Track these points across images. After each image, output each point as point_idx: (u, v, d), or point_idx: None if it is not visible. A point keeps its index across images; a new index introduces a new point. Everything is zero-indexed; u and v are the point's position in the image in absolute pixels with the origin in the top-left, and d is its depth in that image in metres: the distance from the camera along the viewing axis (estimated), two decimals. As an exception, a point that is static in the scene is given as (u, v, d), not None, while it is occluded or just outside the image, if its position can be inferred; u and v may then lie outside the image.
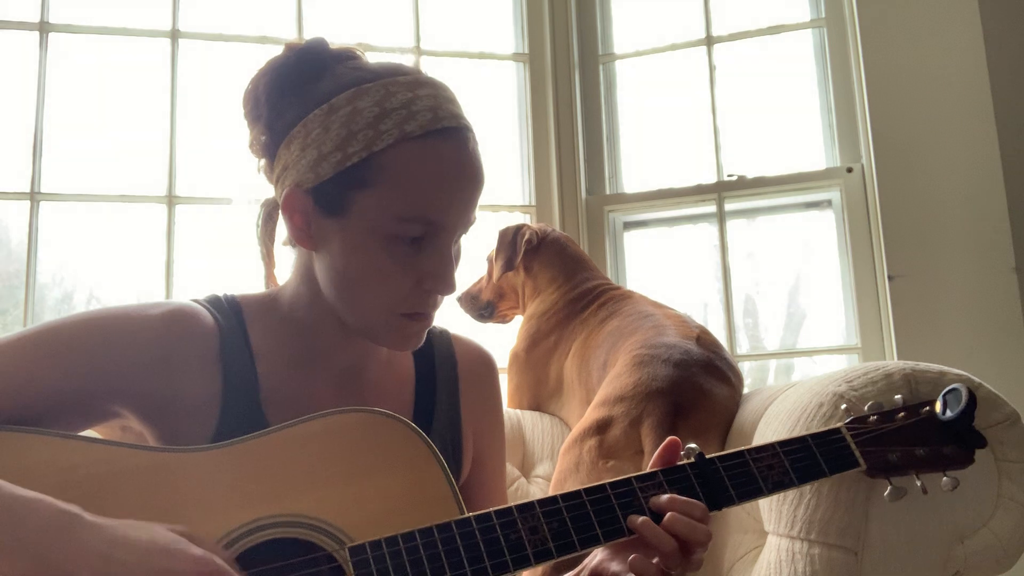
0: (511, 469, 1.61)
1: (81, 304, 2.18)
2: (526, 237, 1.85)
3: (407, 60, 0.95)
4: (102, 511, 0.70)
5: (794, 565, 1.04)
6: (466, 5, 2.45)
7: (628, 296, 1.72)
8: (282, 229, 0.99)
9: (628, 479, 0.86)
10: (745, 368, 2.13)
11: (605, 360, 1.55)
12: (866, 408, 0.99)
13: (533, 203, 2.29)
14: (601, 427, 1.36)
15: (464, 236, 0.92)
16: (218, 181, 2.14)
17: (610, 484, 0.85)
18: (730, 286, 2.16)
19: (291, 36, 2.23)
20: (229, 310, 0.94)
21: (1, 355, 0.82)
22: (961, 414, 0.94)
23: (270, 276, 1.01)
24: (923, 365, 1.09)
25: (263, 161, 0.94)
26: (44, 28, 2.11)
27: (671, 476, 0.87)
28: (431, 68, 0.92)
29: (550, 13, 2.36)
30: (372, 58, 0.93)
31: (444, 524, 0.78)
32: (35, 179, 2.05)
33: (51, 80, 2.10)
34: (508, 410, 1.76)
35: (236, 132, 0.97)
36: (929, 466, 0.95)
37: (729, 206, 2.21)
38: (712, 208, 2.22)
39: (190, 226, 2.11)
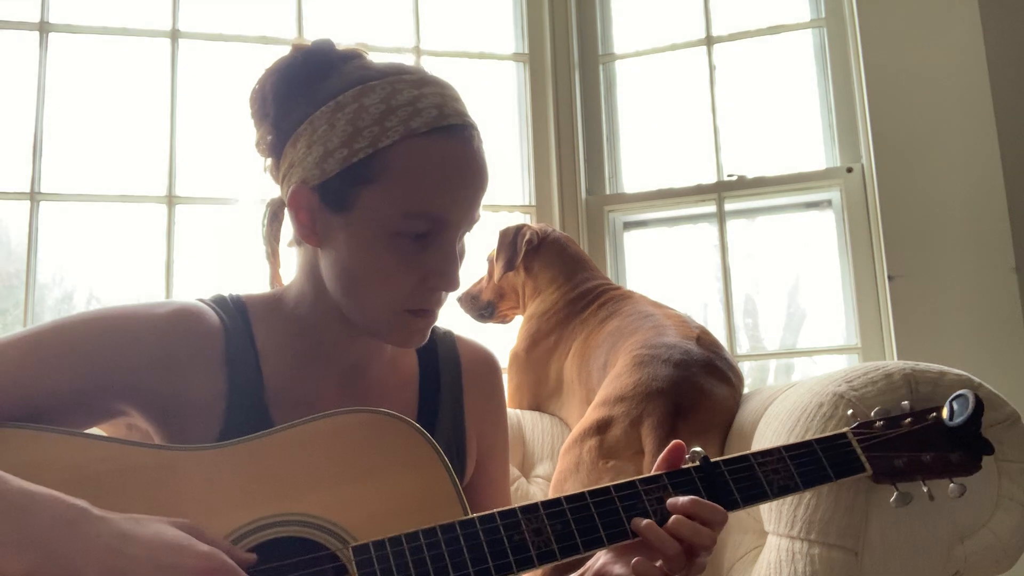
0: (511, 469, 1.61)
1: (81, 304, 2.18)
2: (527, 237, 1.85)
3: (407, 60, 0.95)
4: (108, 508, 0.70)
5: (794, 565, 1.05)
6: (466, 5, 2.45)
7: (628, 296, 1.72)
8: (287, 229, 1.00)
9: (632, 482, 0.86)
10: (745, 368, 2.13)
11: (605, 360, 1.55)
12: (872, 413, 0.99)
13: (533, 203, 2.29)
14: (601, 427, 1.36)
15: (468, 234, 0.92)
16: (218, 181, 2.14)
17: (614, 487, 0.85)
18: (730, 286, 2.16)
19: (291, 36, 2.23)
20: (234, 310, 0.94)
21: (7, 354, 0.82)
22: (968, 420, 0.93)
23: (275, 275, 1.01)
24: (923, 365, 1.10)
25: (269, 160, 0.94)
26: (44, 28, 2.11)
27: (676, 479, 0.87)
28: (431, 68, 0.93)
29: (550, 13, 2.36)
30: (373, 58, 0.93)
31: (448, 524, 0.78)
32: (35, 179, 2.05)
33: (51, 80, 2.10)
34: (508, 410, 1.76)
35: (236, 132, 0.98)
36: (936, 472, 0.94)
37: (729, 206, 2.21)
38: (712, 208, 2.22)
39: (190, 226, 2.11)
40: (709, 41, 2.30)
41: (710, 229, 2.25)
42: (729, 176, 2.23)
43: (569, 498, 0.82)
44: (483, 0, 2.46)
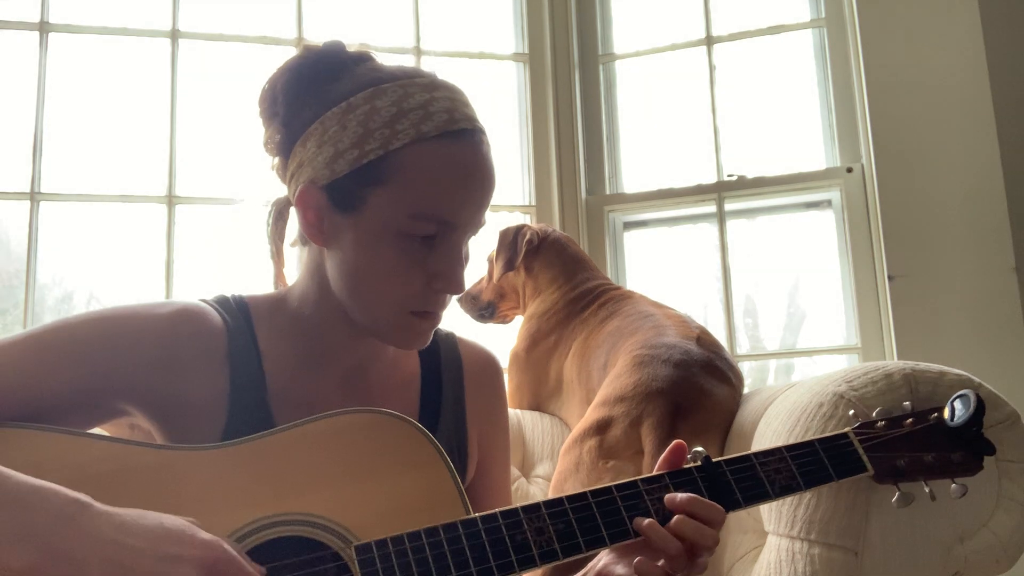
0: (511, 469, 1.61)
1: (81, 304, 2.18)
2: (527, 238, 1.85)
3: (407, 60, 0.96)
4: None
5: (794, 565, 1.05)
6: (466, 5, 2.45)
7: (628, 296, 1.72)
8: (291, 229, 1.00)
9: (634, 481, 0.86)
10: (745, 368, 2.14)
11: (605, 360, 1.55)
12: (874, 414, 0.99)
13: (533, 203, 2.29)
14: (601, 427, 1.36)
15: (474, 237, 0.92)
16: (218, 181, 2.14)
17: (616, 486, 0.85)
18: (730, 286, 2.16)
19: (291, 36, 2.23)
20: (237, 310, 0.94)
21: (9, 354, 0.82)
22: (970, 420, 0.93)
23: (279, 275, 1.02)
24: (923, 365, 1.10)
25: (276, 159, 0.94)
26: (44, 28, 2.11)
27: (677, 479, 0.87)
28: (431, 68, 0.93)
29: (550, 13, 2.36)
30: (380, 60, 0.94)
31: (450, 524, 0.78)
32: (35, 179, 2.05)
33: (51, 80, 2.10)
34: (508, 410, 1.76)
35: (237, 132, 0.98)
36: (938, 472, 0.94)
37: (729, 206, 2.22)
38: (712, 208, 2.22)
39: (190, 226, 2.11)
40: (709, 41, 2.30)
41: (710, 229, 2.25)
42: (729, 176, 2.23)
43: (571, 498, 0.83)
44: (483, 0, 2.46)
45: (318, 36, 2.16)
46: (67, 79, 2.12)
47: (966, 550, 1.04)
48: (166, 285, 2.05)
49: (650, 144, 2.36)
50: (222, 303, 0.94)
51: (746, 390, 1.48)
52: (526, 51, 2.37)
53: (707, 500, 0.84)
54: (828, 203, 2.20)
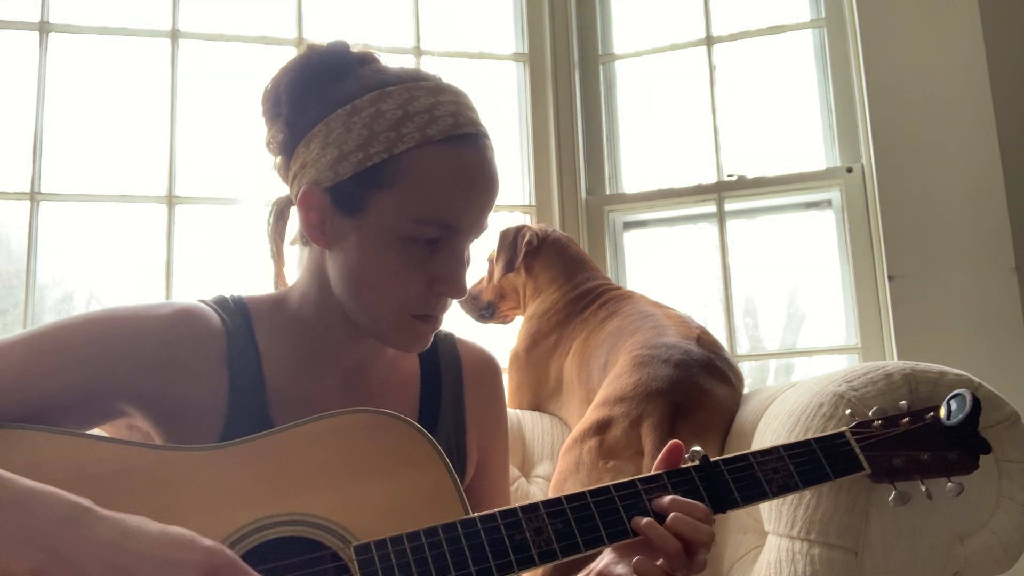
0: (511, 469, 1.61)
1: (81, 304, 2.18)
2: (526, 239, 1.85)
3: (407, 60, 0.96)
4: (110, 508, 0.70)
5: (794, 565, 1.05)
6: (466, 5, 2.45)
7: (628, 296, 1.72)
8: (291, 229, 1.00)
9: (632, 481, 0.86)
10: (745, 368, 2.14)
11: (605, 360, 1.55)
12: (871, 413, 1.00)
13: (533, 203, 2.29)
14: (601, 427, 1.36)
15: (476, 240, 0.93)
16: (218, 181, 2.14)
17: (614, 486, 0.85)
18: (730, 286, 2.16)
19: (291, 36, 2.23)
20: (236, 311, 0.94)
21: (9, 355, 0.82)
22: (966, 419, 0.93)
23: (279, 275, 1.02)
24: (923, 365, 1.10)
25: (279, 159, 0.94)
26: (44, 28, 2.11)
27: (676, 479, 0.87)
28: (431, 68, 0.93)
29: (550, 13, 2.36)
30: (384, 61, 0.94)
31: (449, 524, 0.78)
32: (35, 179, 2.05)
33: (51, 80, 2.10)
34: (508, 410, 1.76)
35: (237, 132, 0.98)
36: (934, 471, 0.95)
37: (729, 206, 2.22)
38: (712, 208, 2.22)
39: (190, 226, 2.11)
40: (709, 41, 2.30)
41: (710, 229, 2.25)
42: (729, 176, 2.23)
43: (570, 497, 0.83)
44: (483, 0, 2.46)
45: (318, 36, 2.16)
46: (67, 79, 2.13)
47: (966, 550, 1.04)
48: (166, 285, 2.05)
49: (650, 144, 2.36)
50: (221, 304, 0.94)
51: (746, 390, 1.48)
52: (526, 51, 2.37)
53: (688, 500, 0.84)
54: (828, 203, 2.20)
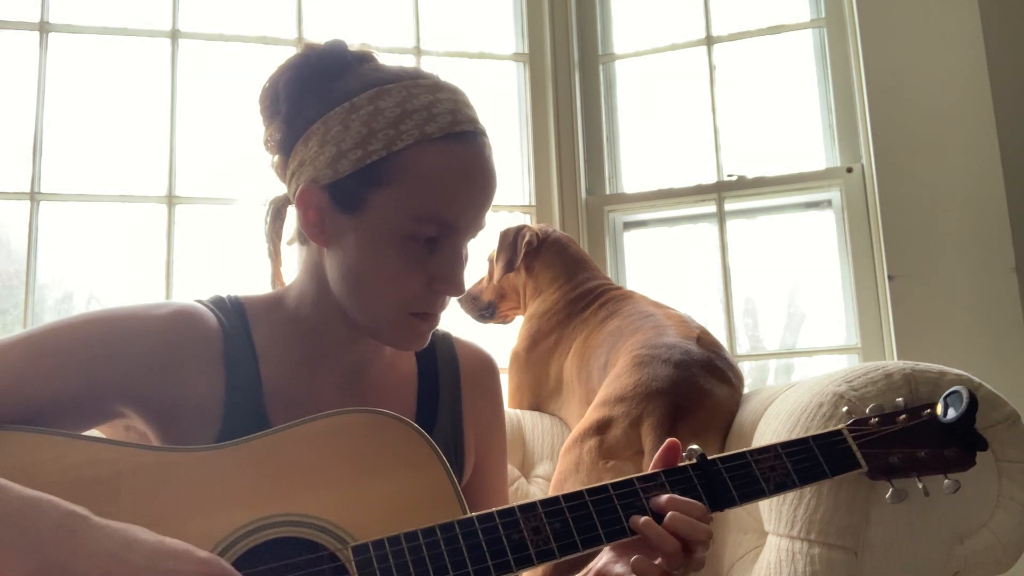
0: (511, 469, 1.61)
1: (81, 304, 2.18)
2: (526, 239, 1.85)
3: (407, 60, 0.96)
4: (107, 510, 0.70)
5: (794, 565, 1.05)
6: (466, 5, 2.45)
7: (629, 296, 1.72)
8: (287, 228, 1.00)
9: (630, 479, 0.86)
10: (745, 368, 2.13)
11: (605, 360, 1.55)
12: (867, 410, 0.99)
13: (533, 203, 2.29)
14: (601, 427, 1.36)
15: (472, 240, 0.92)
16: (218, 181, 2.14)
17: (612, 484, 0.85)
18: (730, 286, 2.16)
19: (291, 36, 2.23)
20: (233, 311, 0.94)
21: (6, 356, 0.82)
22: (962, 416, 0.94)
23: (276, 274, 1.02)
24: (923, 365, 1.10)
25: (276, 158, 0.94)
26: (44, 28, 2.11)
27: (673, 477, 0.87)
28: (431, 68, 0.93)
29: (550, 13, 2.36)
30: (382, 60, 0.94)
31: (447, 524, 0.78)
32: (35, 179, 2.05)
33: (51, 80, 2.10)
34: (508, 410, 1.76)
35: (237, 132, 0.98)
36: (931, 468, 0.95)
37: (729, 206, 2.21)
38: (712, 208, 2.22)
39: (190, 226, 2.11)
40: (709, 41, 2.30)
41: (710, 229, 2.25)
42: (729, 176, 2.23)
43: (567, 496, 0.83)
44: (483, 0, 2.46)
45: (318, 36, 2.17)
46: (67, 79, 2.13)
47: (966, 550, 1.04)
48: (166, 285, 2.05)
49: (650, 144, 2.36)
50: (218, 304, 0.94)
51: (746, 390, 1.48)
52: (526, 51, 2.37)
53: (686, 499, 0.84)
54: (828, 203, 2.20)
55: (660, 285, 2.26)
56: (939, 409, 0.97)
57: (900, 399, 1.01)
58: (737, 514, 1.25)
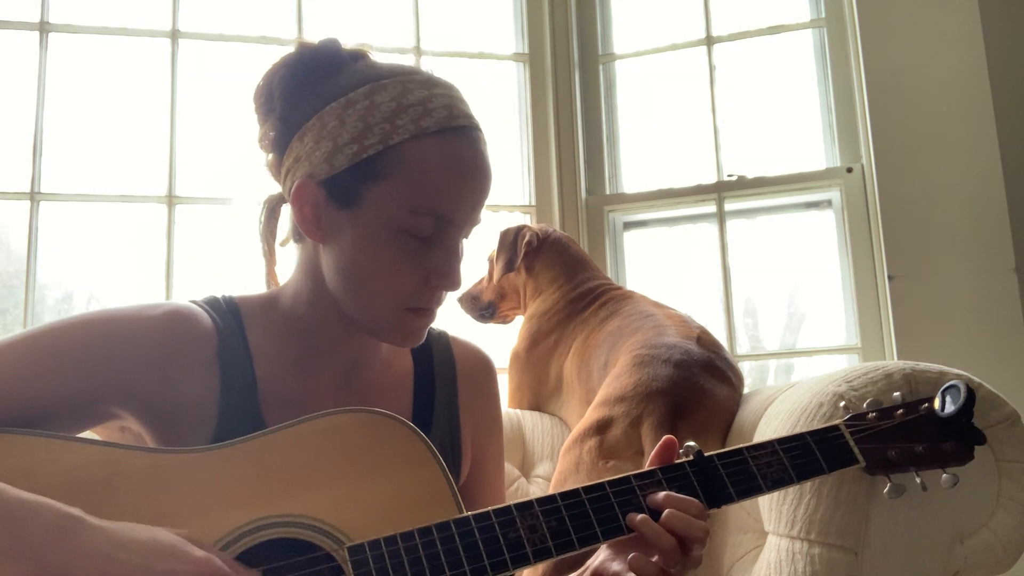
0: (511, 469, 1.61)
1: (81, 304, 2.18)
2: (526, 239, 1.85)
3: (407, 60, 0.96)
4: (102, 512, 0.70)
5: (794, 565, 1.04)
6: (466, 5, 2.45)
7: (629, 296, 1.72)
8: (282, 228, 1.00)
9: (627, 477, 0.86)
10: (745, 368, 2.13)
11: (606, 360, 1.55)
12: (865, 405, 0.99)
13: (533, 203, 2.29)
14: (601, 427, 1.36)
15: (468, 237, 0.92)
16: (218, 181, 2.14)
17: (609, 482, 0.85)
18: (730, 286, 2.16)
19: (291, 36, 2.23)
20: (227, 311, 0.94)
21: (4, 356, 0.82)
22: (960, 410, 0.93)
23: (271, 274, 1.01)
24: (923, 365, 1.09)
25: (271, 156, 0.94)
26: (44, 28, 2.11)
27: (670, 474, 0.87)
28: (431, 68, 0.94)
29: (550, 13, 2.36)
30: (377, 58, 0.94)
31: (443, 524, 0.78)
32: (35, 179, 2.05)
33: (51, 80, 2.10)
34: (508, 410, 1.76)
35: (237, 132, 0.98)
36: (928, 463, 0.94)
37: (729, 206, 2.21)
38: (712, 208, 2.22)
39: (190, 226, 2.11)
40: (709, 41, 2.30)
41: (710, 229, 2.25)
42: (729, 176, 2.23)
43: (564, 494, 0.82)
44: (483, 0, 2.46)
45: (318, 36, 2.16)
46: (67, 79, 2.13)
47: (966, 550, 1.04)
48: (166, 285, 2.05)
49: (650, 144, 2.36)
50: (212, 304, 0.94)
51: (746, 390, 1.48)
52: (526, 51, 2.37)
53: (681, 495, 0.84)
54: (828, 203, 2.20)
55: (660, 285, 2.26)
56: (937, 403, 0.96)
57: (898, 393, 1.00)
58: (737, 514, 1.25)
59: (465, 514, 0.80)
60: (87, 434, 0.88)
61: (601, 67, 2.38)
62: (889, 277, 1.95)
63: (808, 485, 1.04)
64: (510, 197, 2.30)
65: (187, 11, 2.19)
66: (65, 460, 0.76)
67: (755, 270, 2.26)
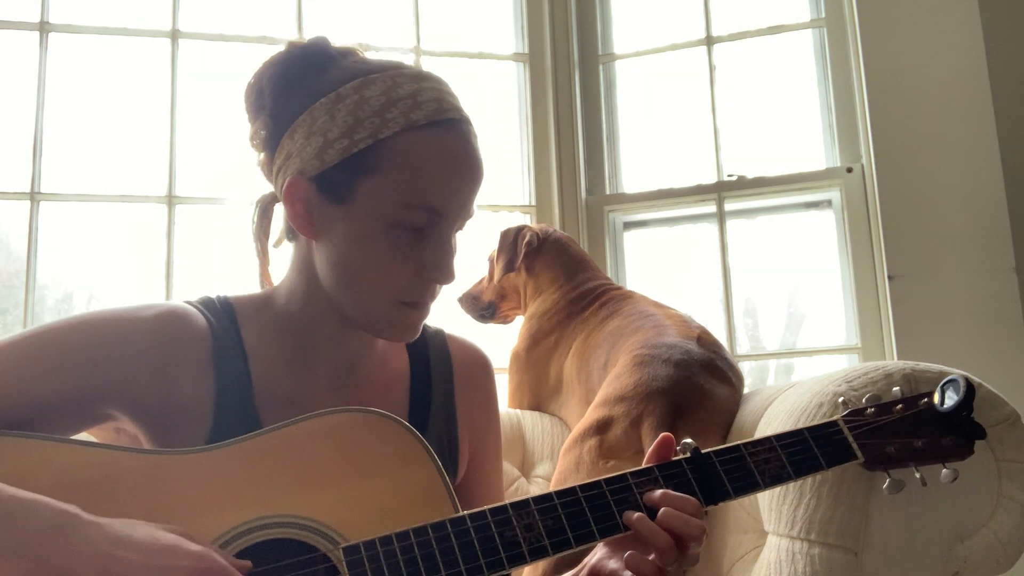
0: (511, 469, 1.61)
1: (81, 305, 2.18)
2: (527, 239, 1.85)
3: (407, 60, 0.97)
4: (98, 513, 0.70)
5: (794, 565, 1.04)
6: (466, 5, 2.45)
7: (629, 296, 1.72)
8: (275, 228, 1.00)
9: (624, 475, 0.85)
10: (745, 368, 2.13)
11: (606, 360, 1.55)
12: (864, 400, 0.99)
13: (533, 203, 2.29)
14: (601, 427, 1.36)
15: (460, 232, 0.93)
16: (218, 181, 2.14)
17: (605, 480, 0.84)
18: (730, 286, 2.16)
19: (291, 36, 2.22)
20: (222, 311, 0.94)
21: (3, 356, 0.82)
22: (960, 404, 0.93)
23: (264, 274, 1.01)
24: (923, 365, 1.09)
25: (262, 155, 0.94)
26: (44, 28, 2.11)
27: (667, 471, 0.86)
28: (431, 68, 0.94)
29: (550, 13, 2.36)
30: (370, 56, 0.94)
31: (439, 523, 0.78)
32: (35, 179, 2.05)
33: (51, 80, 2.11)
34: (508, 410, 1.76)
35: (237, 132, 0.98)
36: (928, 458, 0.94)
37: (729, 206, 2.21)
38: (712, 208, 2.22)
39: (190, 226, 2.11)
40: (709, 41, 2.29)
41: (710, 229, 2.25)
42: (729, 176, 2.22)
43: (560, 493, 0.82)
44: (483, 0, 2.46)
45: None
46: (67, 79, 2.13)
47: (966, 550, 1.03)
48: (166, 285, 2.05)
49: (650, 144, 2.36)
50: (206, 304, 0.94)
51: (746, 390, 1.48)
52: (526, 51, 2.36)
53: (679, 493, 0.84)
54: (828, 203, 2.20)
55: (660, 285, 2.26)
56: (937, 397, 0.96)
57: (897, 388, 1.00)
58: (737, 514, 1.24)
59: (461, 513, 0.79)
60: (82, 436, 0.88)
61: (601, 67, 2.38)
62: (889, 277, 1.94)
63: (808, 485, 1.04)
64: (510, 197, 2.30)
65: (187, 11, 2.19)
66: (60, 462, 0.76)
67: (755, 270, 2.26)
